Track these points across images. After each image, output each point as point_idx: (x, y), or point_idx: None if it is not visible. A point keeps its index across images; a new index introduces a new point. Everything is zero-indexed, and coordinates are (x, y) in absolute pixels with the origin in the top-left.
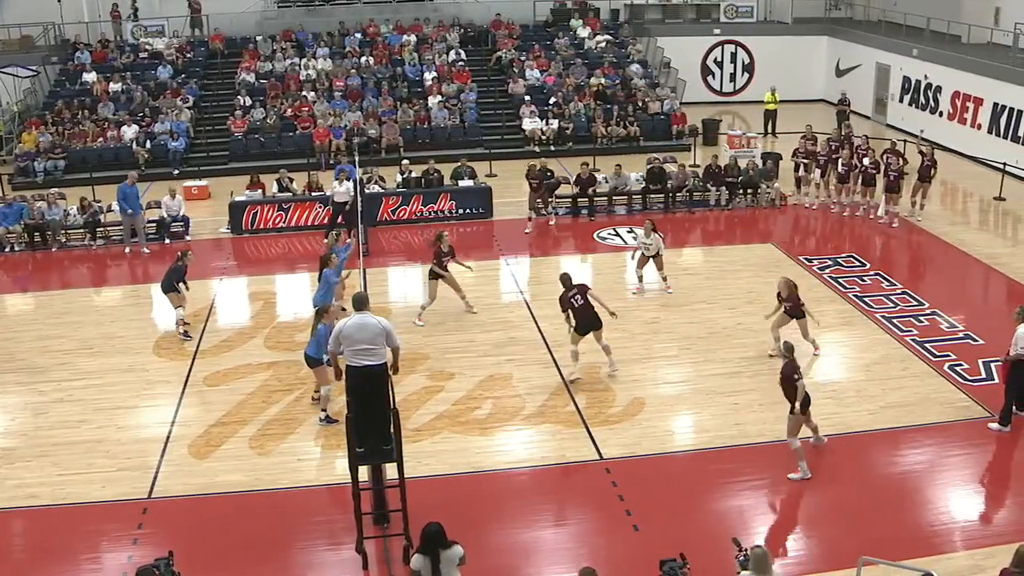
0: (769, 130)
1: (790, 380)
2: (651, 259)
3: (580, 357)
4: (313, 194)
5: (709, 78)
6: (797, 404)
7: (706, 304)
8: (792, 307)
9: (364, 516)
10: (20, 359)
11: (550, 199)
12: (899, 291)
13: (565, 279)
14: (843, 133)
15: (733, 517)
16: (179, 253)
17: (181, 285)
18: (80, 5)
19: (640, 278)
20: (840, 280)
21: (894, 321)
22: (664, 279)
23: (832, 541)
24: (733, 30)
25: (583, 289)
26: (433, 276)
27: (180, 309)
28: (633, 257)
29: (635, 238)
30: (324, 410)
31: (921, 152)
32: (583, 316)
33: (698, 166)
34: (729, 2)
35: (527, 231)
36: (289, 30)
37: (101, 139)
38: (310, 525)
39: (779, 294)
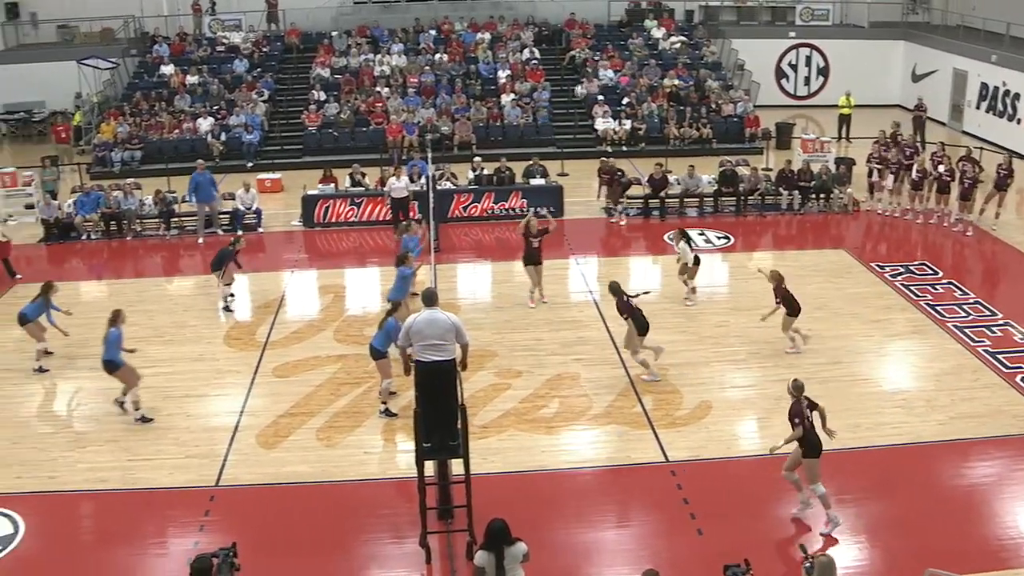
0: (843, 135)
1: (791, 421)
2: (684, 265)
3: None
4: (385, 189)
5: (783, 81)
6: (783, 443)
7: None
8: (786, 301)
9: (429, 511)
10: (94, 346)
11: (621, 199)
12: (972, 300)
13: (615, 287)
14: (918, 139)
15: (798, 524)
16: (233, 238)
17: (232, 266)
18: None
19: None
20: (912, 288)
21: (966, 331)
22: (691, 290)
23: (897, 552)
24: (808, 33)
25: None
26: (527, 263)
27: (227, 287)
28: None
29: (706, 241)
30: (384, 403)
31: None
32: (641, 317)
33: (771, 169)
34: (805, 5)
35: (616, 221)
36: (364, 26)
37: (177, 131)
38: (374, 518)
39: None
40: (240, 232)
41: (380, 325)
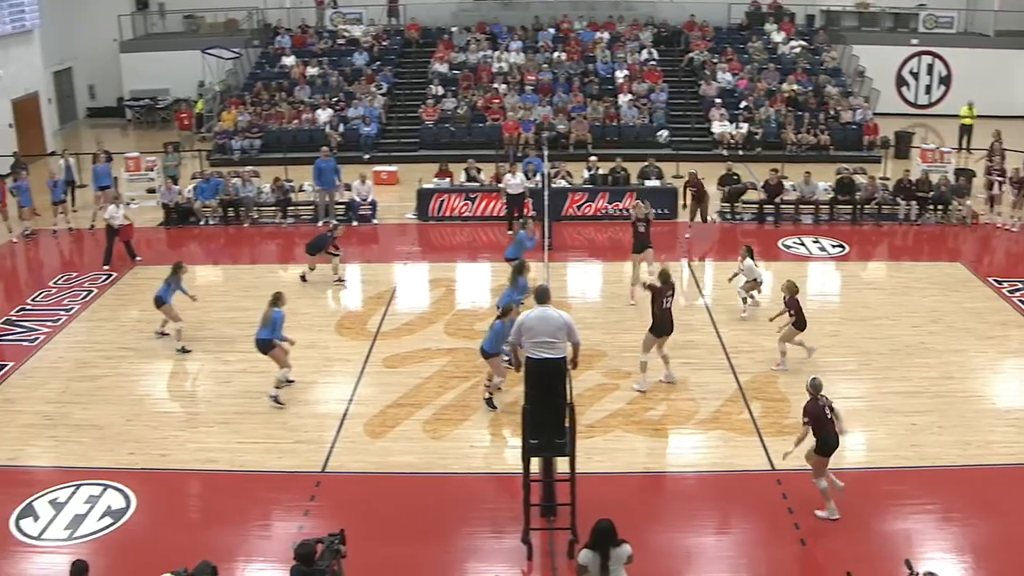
0: (964, 146)
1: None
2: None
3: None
4: (500, 185)
5: (904, 89)
6: (794, 446)
7: (889, 320)
8: (795, 315)
9: (532, 507)
10: (209, 328)
11: (735, 204)
12: None
13: (664, 275)
14: None
15: (902, 540)
16: (333, 225)
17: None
18: None
19: (744, 300)
20: None
21: None
22: (744, 302)
23: (1004, 574)
24: (931, 41)
25: (674, 294)
26: (636, 250)
27: (337, 263)
28: (730, 280)
29: (820, 249)
30: (490, 394)
31: None
32: (664, 319)
33: (888, 179)
34: (928, 12)
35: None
36: (484, 22)
37: (296, 121)
38: (477, 511)
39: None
40: (336, 222)
41: (490, 327)
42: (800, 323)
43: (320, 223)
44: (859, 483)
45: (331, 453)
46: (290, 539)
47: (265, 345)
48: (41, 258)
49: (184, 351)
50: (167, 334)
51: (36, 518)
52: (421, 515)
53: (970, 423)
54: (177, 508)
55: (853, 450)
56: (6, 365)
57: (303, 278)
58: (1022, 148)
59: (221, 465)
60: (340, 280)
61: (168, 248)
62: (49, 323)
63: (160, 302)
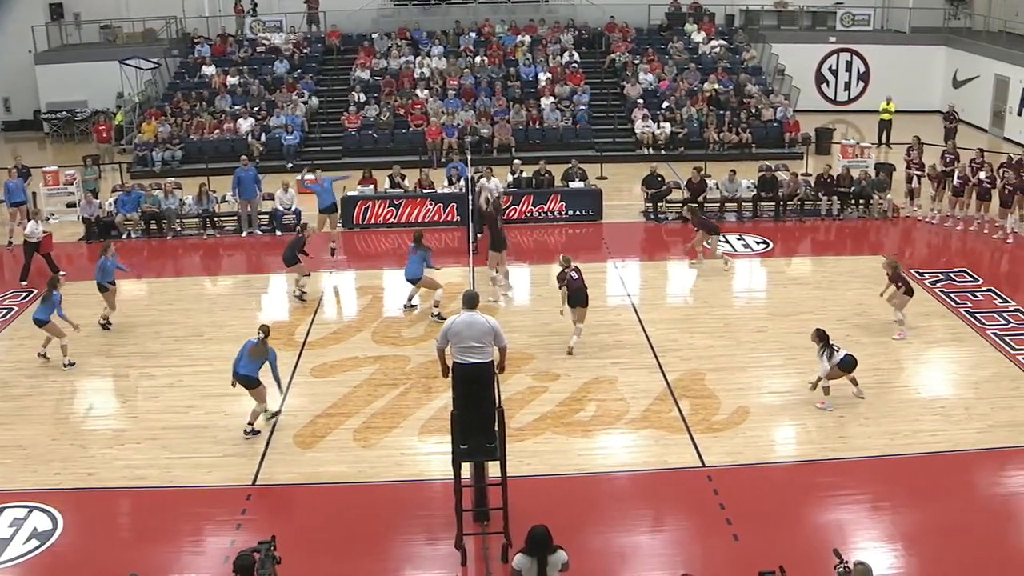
0: (883, 141)
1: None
2: None
3: None
4: (424, 191)
5: (823, 86)
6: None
7: (814, 314)
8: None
9: (465, 513)
10: (133, 343)
11: (659, 204)
12: (1012, 308)
13: (565, 260)
14: (952, 148)
15: (834, 531)
16: (300, 225)
17: (301, 256)
18: (201, 0)
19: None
20: (951, 295)
21: (1006, 339)
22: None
23: (935, 561)
24: (849, 38)
25: (580, 272)
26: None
27: (304, 278)
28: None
29: (745, 246)
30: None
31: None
32: (576, 292)
33: (810, 175)
34: (846, 10)
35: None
36: (404, 28)
37: (218, 131)
38: (410, 519)
39: None
40: (306, 222)
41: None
42: (910, 291)
43: (244, 234)
44: (789, 476)
45: (261, 465)
46: (223, 554)
47: (41, 323)
48: None
49: (70, 364)
50: (47, 357)
51: None
52: (354, 524)
53: (897, 413)
54: (106, 528)
55: (782, 444)
56: None
57: (301, 298)
58: (940, 142)
59: (150, 482)
60: (302, 295)
61: (90, 263)
62: None
63: (40, 323)
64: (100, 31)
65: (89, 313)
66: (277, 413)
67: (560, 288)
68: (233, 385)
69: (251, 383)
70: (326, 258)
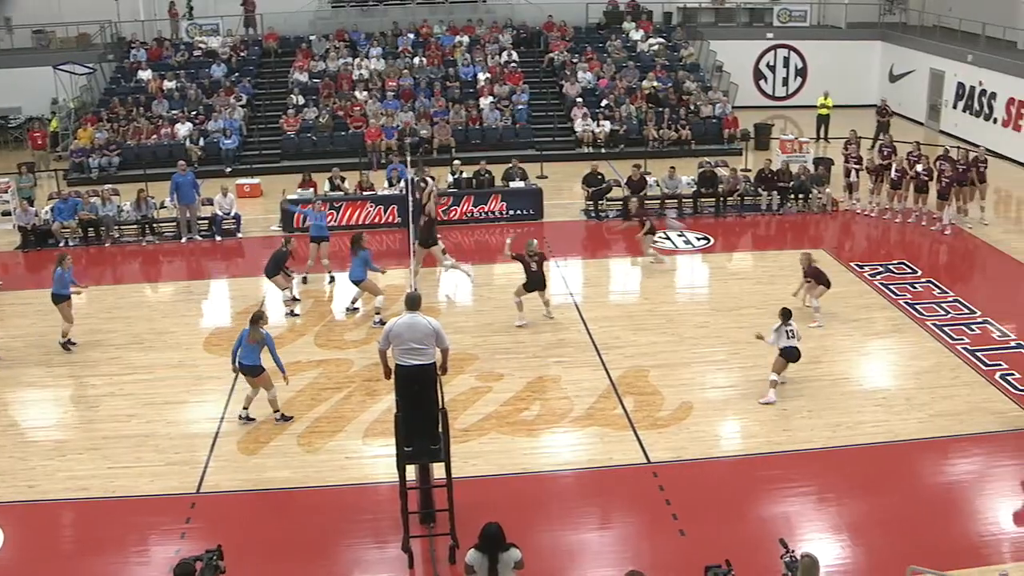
0: (822, 135)
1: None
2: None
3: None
4: (364, 193)
5: (761, 82)
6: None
7: (756, 309)
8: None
9: (411, 515)
10: (72, 352)
11: (600, 202)
12: (951, 299)
13: (531, 245)
14: (889, 141)
15: (779, 524)
16: (284, 239)
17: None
18: (136, 4)
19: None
20: (891, 287)
21: (945, 329)
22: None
23: (880, 550)
24: (786, 34)
25: (542, 258)
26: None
27: (287, 291)
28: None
29: (686, 242)
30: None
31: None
32: (534, 277)
33: (750, 170)
34: (783, 6)
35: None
36: (342, 30)
37: (155, 136)
38: (357, 523)
39: None
40: (290, 236)
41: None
42: (827, 283)
43: (184, 240)
44: (733, 470)
45: (205, 473)
46: (168, 563)
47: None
48: None
49: None
50: None
51: None
52: (301, 530)
53: (839, 405)
54: (49, 540)
55: (726, 438)
56: None
57: (293, 313)
58: (873, 136)
59: (93, 492)
60: (292, 307)
61: (27, 272)
62: None
63: None
64: (33, 36)
65: (27, 323)
66: (252, 419)
67: (520, 262)
68: (234, 372)
69: (255, 371)
70: (266, 262)
